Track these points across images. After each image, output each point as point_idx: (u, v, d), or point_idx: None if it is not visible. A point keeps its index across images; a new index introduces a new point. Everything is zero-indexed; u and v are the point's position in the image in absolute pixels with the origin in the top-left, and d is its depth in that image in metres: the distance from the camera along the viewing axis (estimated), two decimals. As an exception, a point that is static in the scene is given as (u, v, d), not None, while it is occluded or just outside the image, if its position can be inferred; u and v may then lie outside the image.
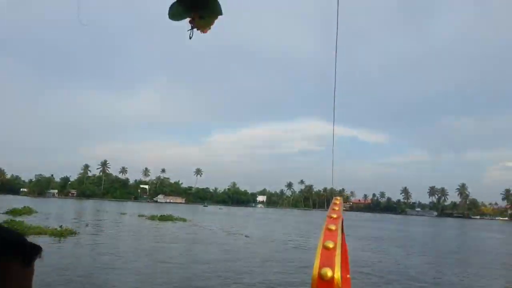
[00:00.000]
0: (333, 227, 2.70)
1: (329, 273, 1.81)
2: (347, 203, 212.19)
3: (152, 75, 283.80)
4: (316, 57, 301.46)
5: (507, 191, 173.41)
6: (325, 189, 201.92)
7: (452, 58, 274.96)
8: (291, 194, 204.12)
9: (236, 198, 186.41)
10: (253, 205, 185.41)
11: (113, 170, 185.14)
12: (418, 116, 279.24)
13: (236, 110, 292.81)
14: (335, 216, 3.09)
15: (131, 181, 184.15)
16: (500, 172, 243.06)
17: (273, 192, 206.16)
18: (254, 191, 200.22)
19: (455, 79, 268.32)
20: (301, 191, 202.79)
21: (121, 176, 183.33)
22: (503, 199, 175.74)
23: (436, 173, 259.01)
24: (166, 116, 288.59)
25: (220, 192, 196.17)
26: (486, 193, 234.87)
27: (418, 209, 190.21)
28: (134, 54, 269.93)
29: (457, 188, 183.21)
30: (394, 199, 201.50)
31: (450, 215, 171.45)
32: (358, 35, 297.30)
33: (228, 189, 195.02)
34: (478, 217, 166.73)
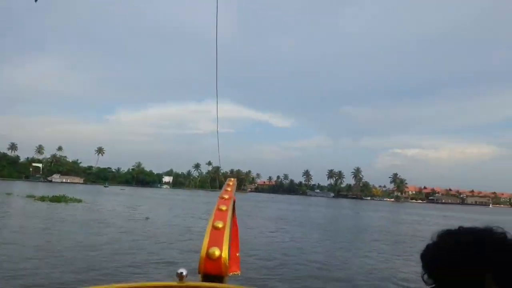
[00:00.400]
0: (223, 208, 2.36)
1: (217, 252, 1.80)
2: (253, 184, 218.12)
3: (51, 44, 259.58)
4: (228, 40, 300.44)
5: (395, 175, 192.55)
6: (232, 171, 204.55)
7: (356, 52, 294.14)
8: (198, 175, 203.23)
9: (141, 178, 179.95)
10: (159, 186, 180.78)
11: (1, 147, 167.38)
12: (322, 103, 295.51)
13: (143, 88, 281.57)
14: (226, 197, 2.77)
15: (22, 158, 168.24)
16: (389, 158, 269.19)
17: (180, 173, 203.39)
18: (160, 171, 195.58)
19: (357, 70, 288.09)
20: (208, 172, 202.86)
21: (10, 153, 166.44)
22: (390, 182, 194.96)
23: (335, 157, 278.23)
24: (66, 91, 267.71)
25: (124, 172, 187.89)
26: (377, 176, 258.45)
27: (318, 191, 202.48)
28: (30, 19, 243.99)
29: (352, 172, 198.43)
30: (297, 181, 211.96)
31: (345, 196, 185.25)
32: (274, 20, 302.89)
33: (132, 169, 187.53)
34: (369, 198, 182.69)
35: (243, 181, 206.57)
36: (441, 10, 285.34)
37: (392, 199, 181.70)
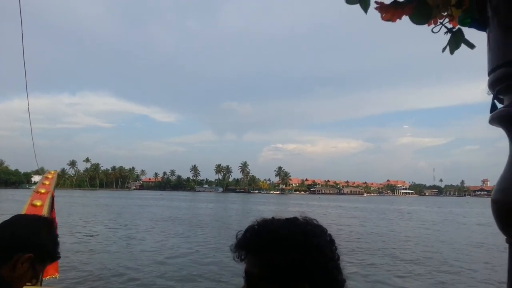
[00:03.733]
0: (38, 203, 2.11)
1: None
2: (138, 181, 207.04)
3: None
4: (107, 27, 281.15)
5: (279, 168, 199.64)
6: (113, 168, 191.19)
7: (236, 47, 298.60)
8: (74, 173, 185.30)
9: (4, 179, 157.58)
10: (27, 186, 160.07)
11: None
12: (207, 98, 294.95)
13: (6, 74, 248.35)
14: (43, 191, 2.32)
15: None
16: (271, 152, 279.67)
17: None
18: (29, 170, 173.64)
19: (239, 66, 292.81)
20: (86, 170, 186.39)
21: None
22: (276, 175, 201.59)
23: (221, 152, 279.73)
24: None
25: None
26: (263, 170, 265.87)
27: (206, 186, 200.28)
28: None
29: (240, 166, 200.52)
30: (184, 176, 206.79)
31: (234, 190, 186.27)
32: (153, 11, 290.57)
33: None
34: (257, 191, 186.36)
35: (127, 178, 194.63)
36: (311, 6, 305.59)
37: (278, 192, 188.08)
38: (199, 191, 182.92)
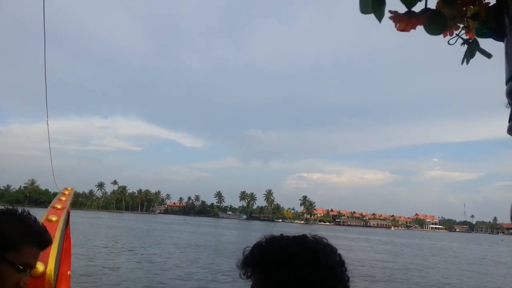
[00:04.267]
0: (53, 218, 2.11)
1: (40, 267, 1.64)
2: (163, 205, 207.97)
3: None
4: (139, 52, 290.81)
5: (304, 197, 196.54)
6: (140, 191, 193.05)
7: (262, 76, 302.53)
8: (102, 195, 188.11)
9: (34, 198, 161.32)
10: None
11: None
12: (233, 126, 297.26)
13: (39, 96, 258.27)
14: (59, 207, 2.34)
15: None
16: (296, 181, 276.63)
17: (81, 192, 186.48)
18: (58, 191, 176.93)
19: (264, 95, 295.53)
20: (113, 192, 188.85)
21: None
22: (300, 204, 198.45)
23: (246, 179, 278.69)
24: None
25: (15, 190, 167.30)
26: (287, 199, 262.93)
27: (230, 212, 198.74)
28: None
29: (264, 194, 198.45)
30: (208, 202, 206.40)
31: (257, 218, 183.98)
32: (184, 39, 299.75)
33: (25, 187, 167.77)
34: (280, 220, 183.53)
35: (152, 201, 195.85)
36: (343, 40, 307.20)
37: (302, 221, 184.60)
38: (222, 217, 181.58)
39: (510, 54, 0.90)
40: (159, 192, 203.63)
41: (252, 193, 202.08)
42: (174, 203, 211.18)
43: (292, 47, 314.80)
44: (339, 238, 59.91)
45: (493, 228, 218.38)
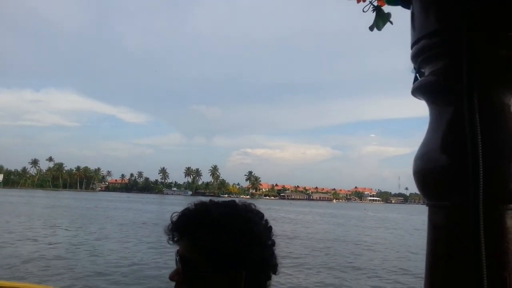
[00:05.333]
0: None
1: None
2: (103, 183, 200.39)
3: None
4: (73, 24, 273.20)
5: (250, 173, 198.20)
6: (78, 168, 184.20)
7: (204, 51, 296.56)
8: (36, 172, 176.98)
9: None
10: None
11: None
12: (176, 101, 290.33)
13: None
14: None
15: None
16: (240, 157, 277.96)
17: (13, 170, 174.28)
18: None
19: (207, 70, 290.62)
20: (49, 169, 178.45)
21: None
22: (246, 180, 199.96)
23: (190, 155, 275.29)
24: None
25: None
26: (233, 175, 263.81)
27: (175, 189, 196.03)
28: None
29: (210, 170, 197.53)
30: (152, 179, 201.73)
31: (203, 194, 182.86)
32: (120, 11, 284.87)
33: None
34: (226, 195, 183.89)
35: (92, 179, 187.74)
36: (284, 18, 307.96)
37: (248, 196, 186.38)
38: (167, 194, 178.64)
39: (415, 20, 0.95)
40: (99, 169, 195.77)
41: (197, 169, 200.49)
42: (116, 180, 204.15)
43: (236, 23, 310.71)
44: (288, 212, 60.56)
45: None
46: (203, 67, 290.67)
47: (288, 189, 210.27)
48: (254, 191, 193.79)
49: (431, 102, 0.91)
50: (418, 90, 0.93)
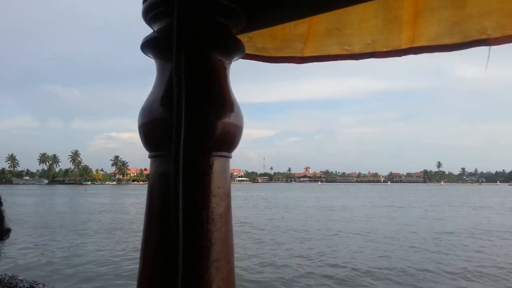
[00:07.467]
0: None
1: None
2: None
3: None
4: None
5: (116, 157, 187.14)
6: None
7: (66, 27, 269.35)
8: None
9: None
10: None
11: None
12: (25, 78, 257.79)
13: None
14: None
15: None
16: (105, 141, 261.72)
17: None
18: None
19: (63, 50, 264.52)
20: None
21: None
22: (112, 165, 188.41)
23: (45, 140, 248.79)
24: None
25: None
26: (97, 160, 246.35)
27: (27, 178, 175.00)
28: None
29: (70, 155, 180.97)
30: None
31: (62, 182, 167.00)
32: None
33: None
34: (90, 182, 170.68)
35: None
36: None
37: (114, 182, 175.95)
38: (18, 183, 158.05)
39: None
40: None
41: (54, 155, 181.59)
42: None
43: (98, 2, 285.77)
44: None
45: (288, 177, 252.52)
46: (57, 47, 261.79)
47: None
48: (121, 176, 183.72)
49: (156, 58, 0.94)
50: (145, 46, 0.94)
